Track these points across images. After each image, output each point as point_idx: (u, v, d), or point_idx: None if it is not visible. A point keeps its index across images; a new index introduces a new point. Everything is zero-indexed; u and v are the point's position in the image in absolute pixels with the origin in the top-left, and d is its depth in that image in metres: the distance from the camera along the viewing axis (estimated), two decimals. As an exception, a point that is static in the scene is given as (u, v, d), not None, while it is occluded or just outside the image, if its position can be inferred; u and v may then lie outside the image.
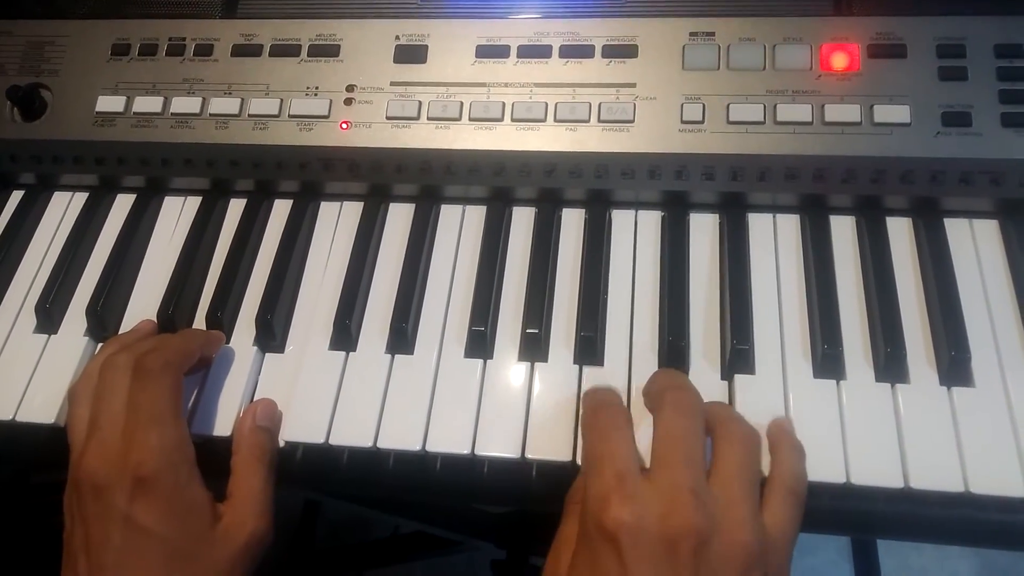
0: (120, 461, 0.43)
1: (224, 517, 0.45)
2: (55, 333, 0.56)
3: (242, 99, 0.59)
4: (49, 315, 0.56)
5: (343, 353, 0.52)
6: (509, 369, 0.51)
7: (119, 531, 0.42)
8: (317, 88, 0.59)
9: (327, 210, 0.60)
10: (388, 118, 0.57)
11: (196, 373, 0.52)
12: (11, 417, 0.52)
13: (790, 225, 0.55)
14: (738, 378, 0.49)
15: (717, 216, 0.56)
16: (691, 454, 0.40)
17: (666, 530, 0.37)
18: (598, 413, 0.44)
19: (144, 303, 0.57)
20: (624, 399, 0.49)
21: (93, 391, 0.47)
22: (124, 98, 0.60)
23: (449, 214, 0.58)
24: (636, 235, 0.56)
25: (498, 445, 0.48)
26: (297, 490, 1.08)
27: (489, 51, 0.58)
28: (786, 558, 0.41)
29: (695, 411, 0.42)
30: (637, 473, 0.39)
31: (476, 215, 0.58)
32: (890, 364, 0.48)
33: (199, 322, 0.55)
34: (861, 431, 0.46)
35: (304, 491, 1.09)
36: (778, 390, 0.48)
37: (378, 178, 0.58)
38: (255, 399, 0.52)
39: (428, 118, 0.57)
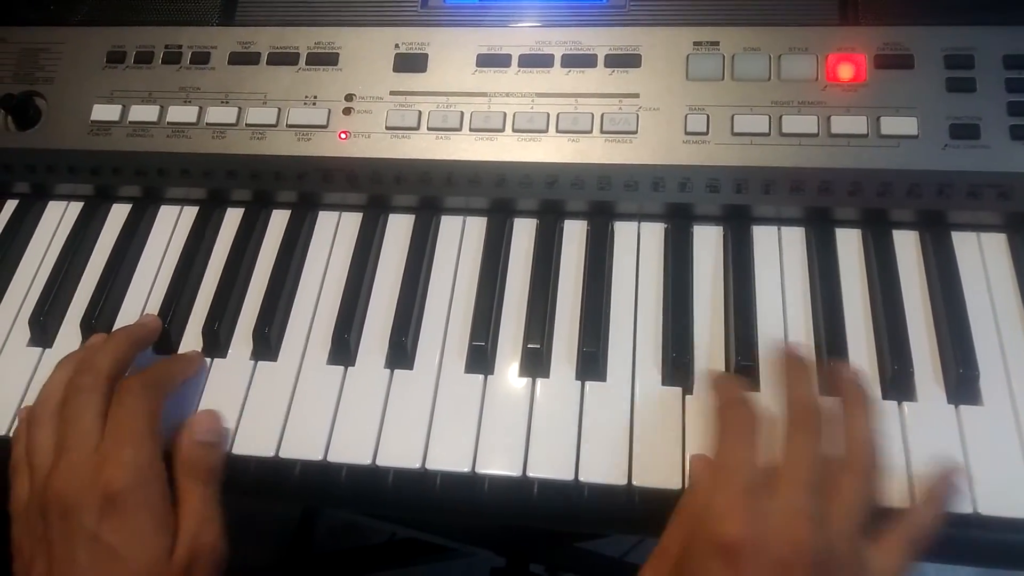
0: (90, 479, 0.42)
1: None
2: (50, 347, 0.55)
3: (239, 108, 0.58)
4: (44, 328, 0.55)
5: (341, 368, 0.52)
6: (510, 385, 0.50)
7: (85, 551, 0.41)
8: (315, 97, 0.58)
9: (325, 221, 0.59)
10: (387, 128, 0.56)
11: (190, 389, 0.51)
12: (5, 432, 0.51)
13: (795, 238, 0.54)
14: (743, 396, 0.48)
15: (721, 229, 0.55)
16: (819, 481, 0.40)
17: (784, 552, 0.37)
18: (735, 410, 0.43)
19: (140, 315, 0.56)
20: (627, 414, 0.48)
21: (55, 414, 0.46)
22: (120, 107, 0.59)
23: (449, 226, 0.57)
24: (639, 248, 0.55)
25: (499, 463, 0.47)
26: (295, 505, 1.07)
27: (490, 60, 0.57)
28: None
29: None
30: (764, 487, 0.39)
31: (477, 227, 0.57)
32: (897, 381, 0.47)
33: (195, 334, 0.54)
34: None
35: (302, 505, 1.08)
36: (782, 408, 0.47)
37: (377, 189, 0.57)
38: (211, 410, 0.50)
39: (428, 128, 0.56)
